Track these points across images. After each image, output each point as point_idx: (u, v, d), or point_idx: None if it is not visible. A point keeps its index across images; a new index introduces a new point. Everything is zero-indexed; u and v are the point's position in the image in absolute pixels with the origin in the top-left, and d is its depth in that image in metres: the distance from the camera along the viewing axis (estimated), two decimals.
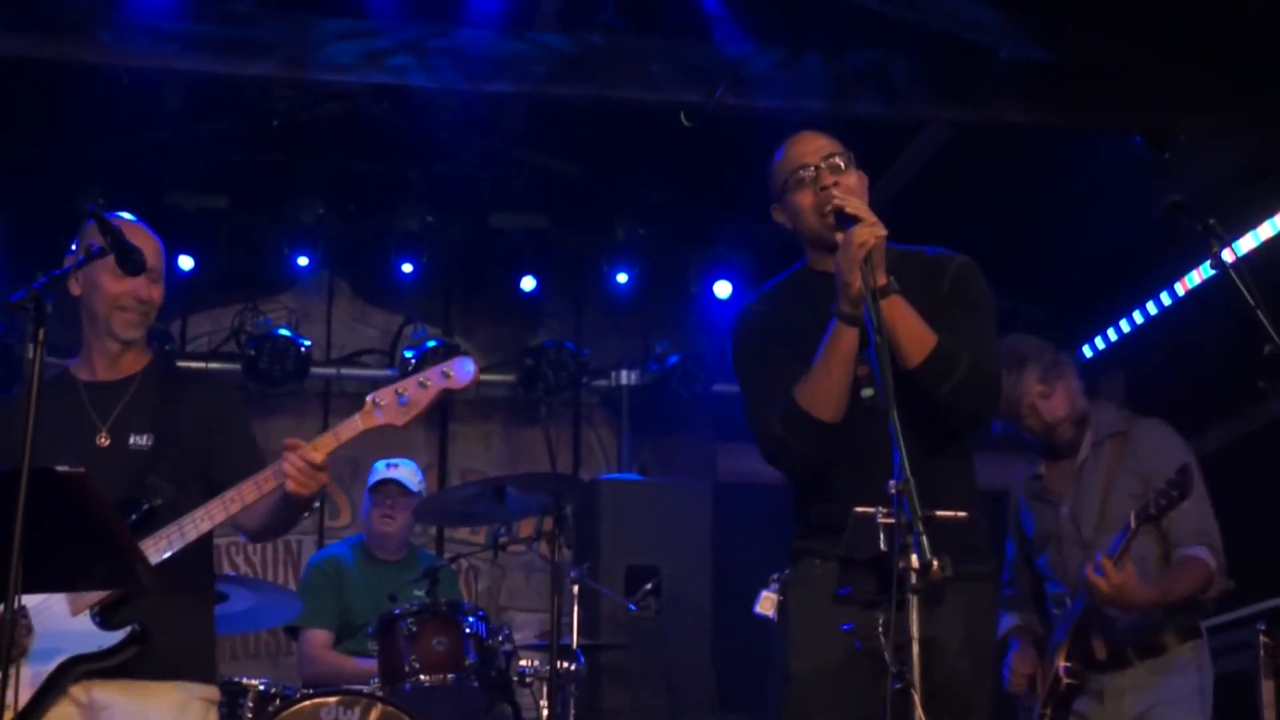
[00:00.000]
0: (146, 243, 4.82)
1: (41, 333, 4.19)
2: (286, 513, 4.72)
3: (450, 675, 6.87)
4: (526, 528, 8.17)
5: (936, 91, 7.90)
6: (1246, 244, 8.01)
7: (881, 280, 4.19)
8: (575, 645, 7.43)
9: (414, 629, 6.89)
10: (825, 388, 4.36)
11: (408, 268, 10.06)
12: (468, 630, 6.96)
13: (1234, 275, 4.42)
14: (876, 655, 3.99)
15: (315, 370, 10.08)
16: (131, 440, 4.81)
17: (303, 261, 9.96)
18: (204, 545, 4.80)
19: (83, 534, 4.08)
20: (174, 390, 4.93)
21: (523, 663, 7.39)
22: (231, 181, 9.72)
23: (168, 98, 9.00)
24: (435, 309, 10.59)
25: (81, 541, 4.10)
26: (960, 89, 7.88)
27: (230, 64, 7.53)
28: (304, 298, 10.49)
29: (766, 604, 4.77)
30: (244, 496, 4.57)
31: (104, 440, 4.81)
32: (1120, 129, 8.02)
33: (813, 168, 4.57)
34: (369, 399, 4.56)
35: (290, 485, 4.48)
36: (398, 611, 6.98)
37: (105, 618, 4.61)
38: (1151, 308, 9.35)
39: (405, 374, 9.68)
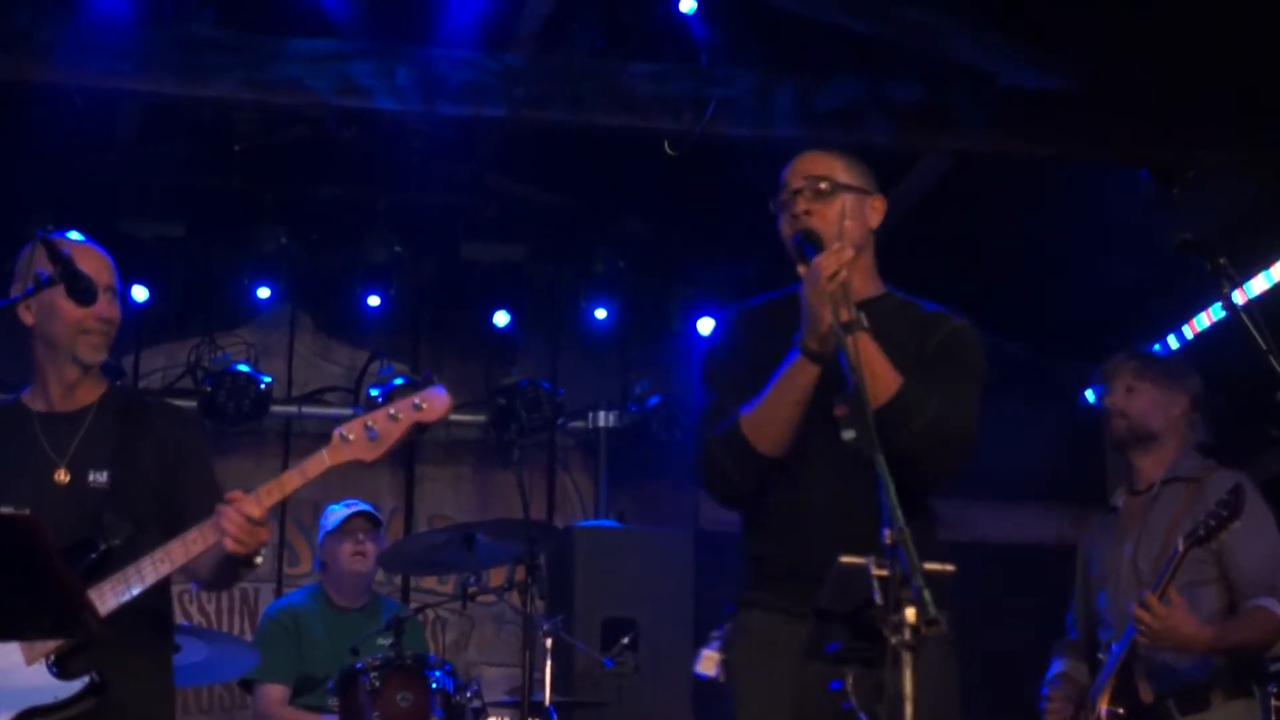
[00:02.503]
0: (99, 263, 4.83)
1: None
2: (228, 567, 4.66)
3: None
4: (497, 577, 8.15)
5: (931, 120, 7.92)
6: (1259, 285, 8.04)
7: (846, 316, 4.16)
8: (548, 703, 7.39)
9: (377, 683, 6.86)
10: (771, 421, 4.37)
11: (374, 301, 10.05)
12: (434, 685, 6.93)
13: (1245, 317, 4.43)
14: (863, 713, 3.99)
15: (275, 408, 10.05)
16: (90, 477, 4.76)
17: (263, 293, 9.95)
18: (163, 589, 4.76)
19: (28, 580, 4.05)
20: (132, 421, 4.88)
21: None
22: (189, 208, 9.72)
23: (123, 120, 8.99)
24: (403, 345, 10.58)
25: (27, 588, 4.08)
26: (956, 118, 7.90)
27: (188, 85, 7.53)
28: (264, 331, 10.48)
29: (708, 663, 4.72)
30: (172, 558, 4.50)
31: (63, 476, 4.76)
32: (1127, 163, 8.05)
33: (793, 190, 4.59)
34: (336, 433, 4.48)
35: (228, 544, 4.40)
36: (360, 665, 6.95)
37: (61, 667, 4.57)
38: (1158, 350, 9.37)
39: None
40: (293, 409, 10.34)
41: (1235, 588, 5.73)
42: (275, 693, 7.67)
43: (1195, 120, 7.83)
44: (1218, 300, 4.51)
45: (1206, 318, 8.82)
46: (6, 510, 3.92)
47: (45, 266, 4.56)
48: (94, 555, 4.60)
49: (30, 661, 4.56)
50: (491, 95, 7.72)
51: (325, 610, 7.93)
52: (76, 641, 4.55)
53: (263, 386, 9.77)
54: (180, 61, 7.49)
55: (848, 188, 4.62)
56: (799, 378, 4.33)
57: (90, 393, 4.92)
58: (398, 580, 10.16)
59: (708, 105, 7.66)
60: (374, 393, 9.86)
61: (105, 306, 4.81)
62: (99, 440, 4.82)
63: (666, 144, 7.79)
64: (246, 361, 9.92)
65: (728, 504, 4.64)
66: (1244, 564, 5.71)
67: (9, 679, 4.55)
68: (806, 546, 4.43)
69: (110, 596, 4.50)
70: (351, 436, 4.47)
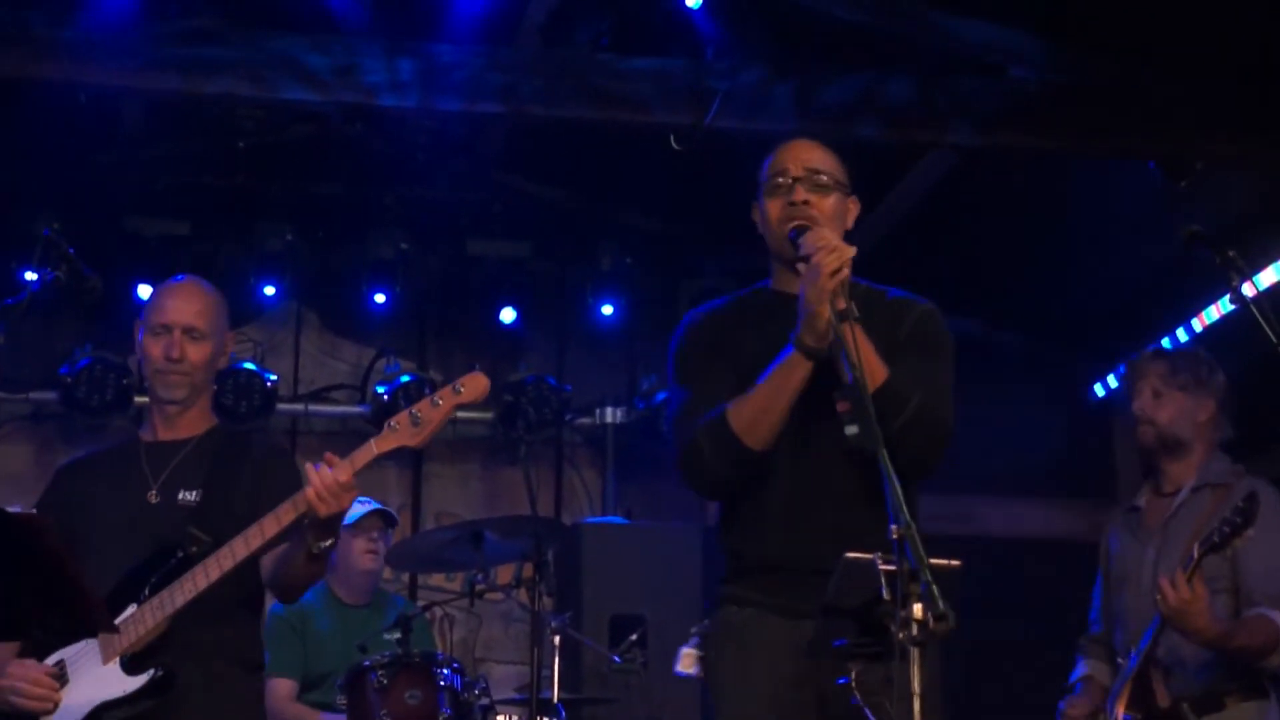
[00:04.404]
0: (180, 302, 5.07)
1: None
2: (304, 553, 4.73)
3: None
4: (505, 574, 8.15)
5: (939, 114, 7.92)
6: (1268, 277, 8.03)
7: (841, 304, 4.17)
8: (556, 700, 7.41)
9: (385, 681, 6.87)
10: (763, 415, 4.36)
11: (380, 298, 10.06)
12: (442, 683, 6.94)
13: (1255, 310, 4.43)
14: (873, 710, 4.02)
15: (282, 406, 10.05)
16: (180, 495, 4.98)
17: (269, 291, 9.95)
18: (245, 591, 4.96)
19: (38, 579, 4.08)
20: (230, 451, 5.10)
21: (500, 718, 7.37)
22: (194, 206, 9.72)
23: (127, 117, 9.00)
24: (409, 342, 10.59)
25: (37, 587, 4.11)
26: (964, 111, 7.90)
27: (192, 82, 7.53)
28: (270, 329, 10.49)
29: (687, 661, 4.75)
30: (264, 531, 4.66)
31: (154, 497, 4.98)
32: (1135, 155, 8.05)
33: (791, 178, 4.56)
34: (387, 423, 4.65)
35: (311, 496, 4.54)
36: (367, 663, 6.96)
37: (131, 664, 4.73)
38: (1167, 344, 9.35)
39: (377, 410, 9.79)
40: (299, 407, 10.34)
41: (1242, 594, 5.74)
42: (283, 687, 7.67)
43: (1204, 114, 7.82)
44: (1226, 293, 4.49)
45: (1215, 311, 8.81)
46: (15, 510, 3.95)
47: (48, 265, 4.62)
48: (173, 561, 4.77)
49: (106, 660, 4.74)
50: (498, 92, 7.73)
51: (331, 606, 7.94)
52: (153, 641, 4.71)
53: (269, 384, 9.78)
54: (184, 58, 7.49)
55: (840, 185, 4.62)
56: (794, 374, 4.33)
57: (194, 425, 5.14)
58: (405, 578, 10.17)
59: (713, 100, 7.66)
60: (380, 389, 9.89)
61: (173, 347, 5.01)
62: (194, 465, 5.04)
63: (672, 138, 7.79)
64: (253, 359, 9.93)
65: (708, 497, 4.66)
66: (1253, 572, 5.72)
67: (86, 676, 4.75)
68: (784, 541, 4.47)
69: (179, 596, 4.68)
70: (398, 425, 4.62)
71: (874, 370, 4.26)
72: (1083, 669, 6.18)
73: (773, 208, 4.57)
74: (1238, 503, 5.50)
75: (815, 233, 4.37)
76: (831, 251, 4.24)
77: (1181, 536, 5.80)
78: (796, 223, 4.44)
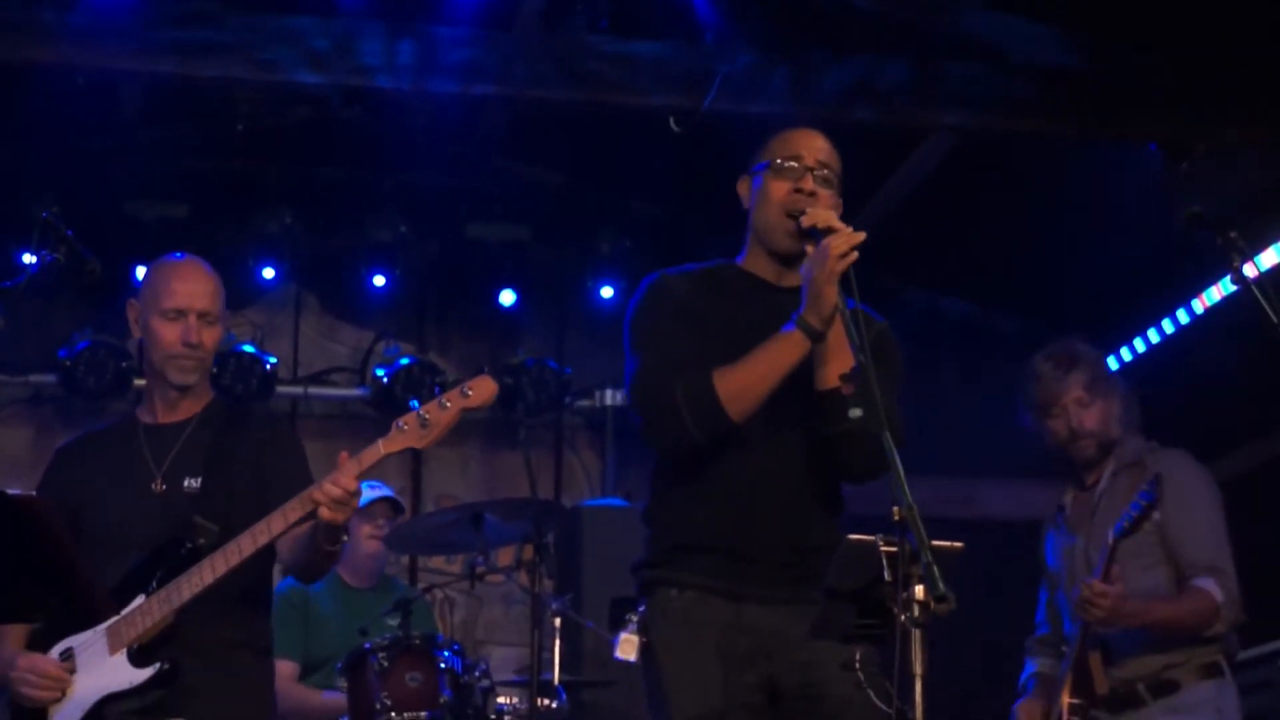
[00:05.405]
0: (192, 287, 5.05)
1: None
2: (317, 548, 4.76)
3: (424, 713, 6.85)
4: (505, 557, 8.17)
5: (940, 98, 7.91)
6: (1269, 259, 8.02)
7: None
8: (557, 682, 7.42)
9: (385, 664, 6.88)
10: (751, 388, 4.38)
11: (380, 281, 10.06)
12: (443, 665, 6.95)
13: (1256, 292, 4.43)
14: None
15: (281, 389, 10.04)
16: (185, 483, 4.97)
17: (268, 274, 9.95)
18: (253, 580, 4.96)
19: (36, 562, 4.08)
20: (230, 431, 5.08)
21: (501, 700, 7.38)
22: (193, 189, 9.71)
23: (125, 100, 8.97)
24: (409, 325, 10.59)
25: (35, 570, 4.11)
26: (964, 95, 7.89)
27: (190, 65, 7.53)
28: (270, 312, 10.47)
29: (627, 647, 4.72)
30: (271, 528, 4.66)
31: (159, 486, 4.97)
32: (1136, 138, 8.04)
33: (802, 166, 4.58)
34: (395, 423, 4.64)
35: (322, 511, 4.55)
36: (368, 646, 6.97)
37: (139, 656, 4.73)
38: (1168, 326, 9.35)
39: (376, 393, 9.79)
40: (298, 390, 10.33)
41: (1179, 569, 5.84)
42: (285, 668, 7.65)
43: (1206, 97, 7.81)
44: (1228, 275, 4.49)
45: (1217, 292, 8.79)
46: (14, 492, 3.96)
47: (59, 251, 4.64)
48: (181, 553, 4.76)
49: (114, 651, 4.74)
50: (497, 75, 7.72)
51: (335, 588, 7.94)
52: (161, 632, 4.72)
53: (268, 367, 9.77)
54: (182, 41, 7.48)
55: (839, 183, 4.65)
56: (792, 353, 4.36)
57: (194, 405, 5.12)
58: (405, 560, 10.17)
59: (712, 82, 7.65)
60: (380, 373, 9.90)
61: (190, 332, 4.99)
62: (195, 450, 5.02)
63: (672, 121, 7.78)
64: (252, 342, 9.91)
65: (667, 456, 4.63)
66: (1184, 546, 5.84)
67: (93, 667, 4.75)
68: (734, 524, 4.49)
69: (187, 590, 4.68)
70: (406, 426, 4.62)
71: (847, 362, 4.22)
72: (1032, 667, 6.26)
73: (778, 188, 4.59)
74: (1143, 486, 5.60)
75: (822, 213, 4.39)
76: (842, 236, 4.25)
77: (1107, 520, 5.87)
78: (807, 221, 4.43)
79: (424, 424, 4.58)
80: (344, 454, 4.59)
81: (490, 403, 4.68)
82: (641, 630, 4.60)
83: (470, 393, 4.60)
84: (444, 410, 4.59)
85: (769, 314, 4.48)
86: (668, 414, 4.44)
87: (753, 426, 4.44)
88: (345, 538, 4.78)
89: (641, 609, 4.63)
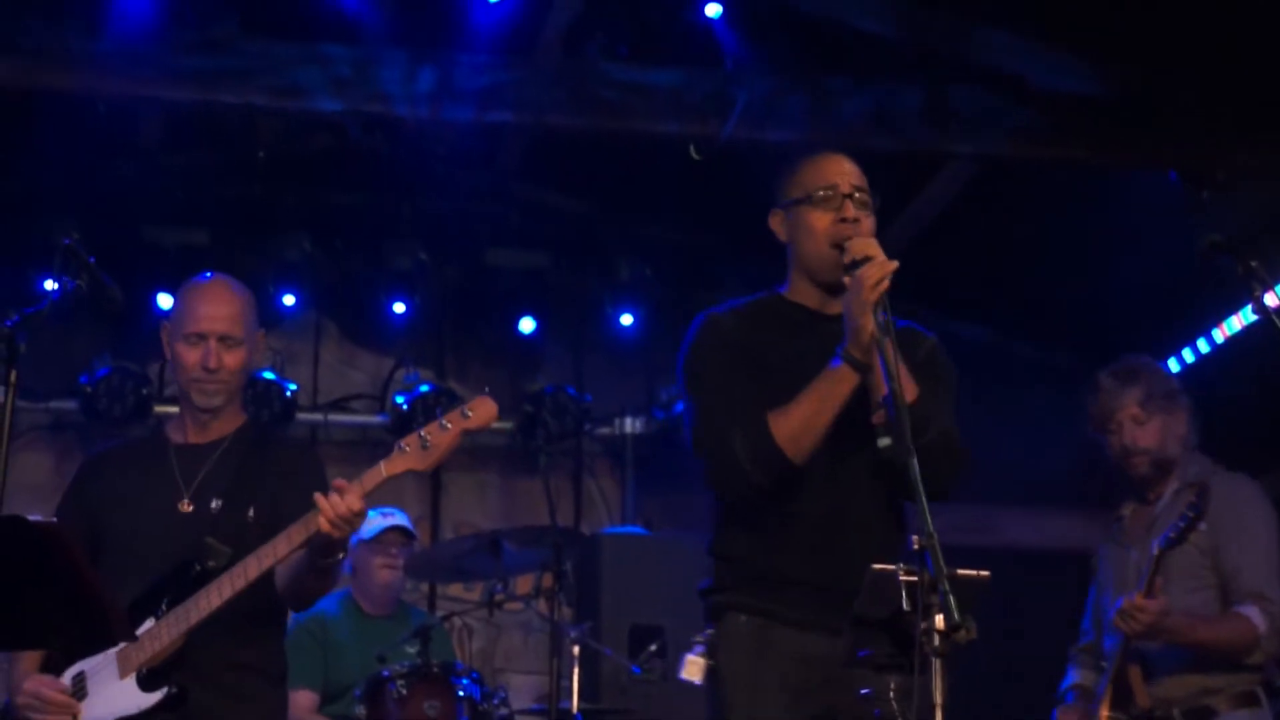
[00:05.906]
0: (213, 310, 5.04)
1: (14, 374, 4.21)
2: (311, 563, 4.74)
3: None
4: (524, 584, 8.16)
5: (959, 124, 7.92)
6: None
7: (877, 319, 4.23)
8: (575, 710, 7.41)
9: (404, 691, 6.88)
10: (808, 428, 4.39)
11: (399, 308, 10.06)
12: (461, 693, 6.95)
13: (1277, 321, 4.42)
14: None
15: (301, 416, 10.03)
16: (213, 504, 4.97)
17: (288, 301, 9.96)
18: (266, 603, 4.95)
19: (57, 589, 4.08)
20: (257, 455, 5.07)
21: None
22: (213, 216, 9.72)
23: (146, 127, 9.02)
24: (428, 352, 10.58)
25: (56, 596, 4.11)
26: (983, 121, 7.89)
27: (211, 91, 7.56)
28: (289, 339, 10.48)
29: (693, 669, 4.74)
30: (276, 551, 4.65)
31: (186, 506, 4.97)
32: (1156, 165, 8.03)
33: (842, 194, 4.58)
34: (396, 445, 4.63)
35: (324, 524, 4.51)
36: (386, 673, 6.96)
37: (147, 681, 4.73)
38: (1188, 355, 9.33)
39: (396, 420, 9.79)
40: (318, 416, 10.33)
41: (1226, 592, 5.82)
42: (304, 699, 7.66)
43: (1226, 123, 7.80)
44: (1249, 304, 4.48)
45: (1237, 321, 8.78)
46: (35, 519, 3.96)
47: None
48: (191, 576, 4.75)
49: (124, 675, 4.74)
50: (517, 101, 7.74)
51: (354, 617, 7.94)
52: (170, 656, 4.71)
53: (288, 394, 9.78)
54: (202, 69, 7.52)
55: (873, 205, 4.65)
56: (840, 386, 4.36)
57: (226, 425, 5.13)
58: (424, 588, 10.16)
59: (732, 109, 7.66)
60: (399, 399, 9.89)
61: (209, 356, 4.99)
62: (223, 471, 5.02)
63: (692, 148, 7.80)
64: (272, 369, 9.92)
65: (735, 500, 4.62)
66: (1233, 569, 5.81)
67: (103, 690, 4.75)
68: (808, 557, 4.50)
69: (195, 613, 4.67)
70: (408, 448, 4.60)
71: (907, 385, 4.26)
72: (1073, 678, 6.24)
73: (819, 220, 4.59)
74: (1191, 498, 5.58)
75: (861, 242, 4.38)
76: (875, 266, 4.25)
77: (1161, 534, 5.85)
78: (852, 254, 4.39)
79: (425, 445, 4.57)
80: (339, 481, 4.54)
81: (491, 424, 4.65)
82: (709, 653, 4.62)
83: (470, 414, 4.58)
84: (445, 431, 4.58)
85: (819, 343, 4.47)
86: (729, 464, 4.46)
87: (816, 458, 4.43)
88: (338, 558, 4.75)
89: (708, 632, 4.64)
